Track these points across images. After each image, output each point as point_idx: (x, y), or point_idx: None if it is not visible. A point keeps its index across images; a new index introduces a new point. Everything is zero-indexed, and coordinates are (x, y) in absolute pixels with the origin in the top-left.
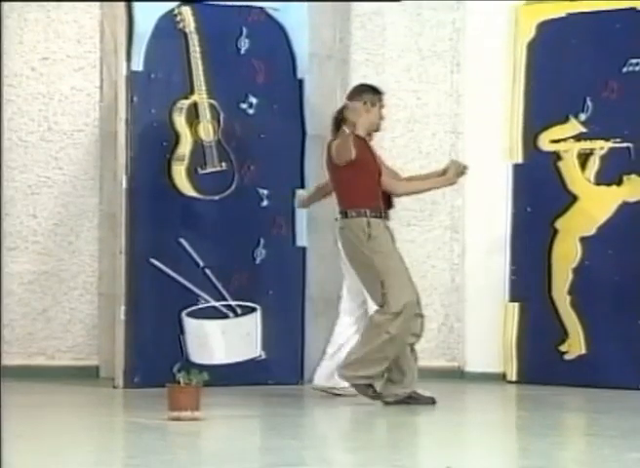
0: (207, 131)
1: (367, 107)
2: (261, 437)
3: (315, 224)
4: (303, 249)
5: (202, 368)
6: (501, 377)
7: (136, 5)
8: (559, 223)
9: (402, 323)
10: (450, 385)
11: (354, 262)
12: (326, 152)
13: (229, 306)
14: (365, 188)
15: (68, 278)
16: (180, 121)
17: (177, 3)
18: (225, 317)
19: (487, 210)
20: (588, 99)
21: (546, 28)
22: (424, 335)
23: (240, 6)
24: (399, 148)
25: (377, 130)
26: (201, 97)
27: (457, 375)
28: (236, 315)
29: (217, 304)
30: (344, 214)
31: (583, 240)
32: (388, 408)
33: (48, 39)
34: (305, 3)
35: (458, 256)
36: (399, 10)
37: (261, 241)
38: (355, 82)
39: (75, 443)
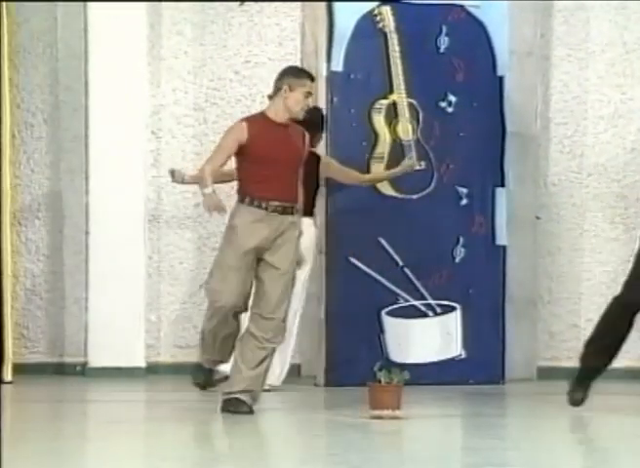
0: (406, 130)
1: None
2: (463, 437)
3: (515, 223)
4: (504, 247)
5: (402, 366)
6: None
7: (336, 6)
8: None
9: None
10: None
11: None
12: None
13: (429, 305)
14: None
15: None
16: (380, 120)
17: (377, 3)
18: (425, 316)
19: None
20: None
21: None
22: (630, 335)
23: (440, 4)
24: (602, 144)
25: (293, 116)
26: (400, 96)
27: None
28: (436, 314)
29: (416, 303)
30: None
31: None
32: (595, 410)
33: (250, 43)
34: (505, 1)
35: None
36: (603, 3)
37: (461, 240)
38: (556, 78)
39: (278, 439)
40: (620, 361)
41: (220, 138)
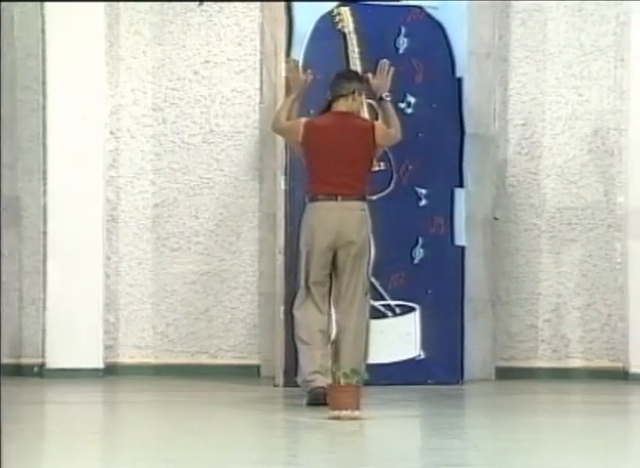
0: None
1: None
2: (422, 437)
3: (474, 223)
4: (462, 248)
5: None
6: None
7: (295, 7)
8: None
9: None
10: (613, 386)
11: (368, 247)
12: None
13: (388, 306)
14: None
15: (229, 278)
16: None
17: (336, 3)
18: (384, 316)
19: None
20: None
21: None
22: (586, 335)
23: (399, 5)
24: (560, 146)
25: None
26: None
27: (620, 376)
28: (395, 315)
29: (376, 304)
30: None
31: None
32: (553, 409)
33: (210, 43)
34: (464, 1)
35: (620, 255)
36: (560, 5)
37: (420, 240)
38: (514, 80)
39: (238, 440)
40: (575, 361)
41: None
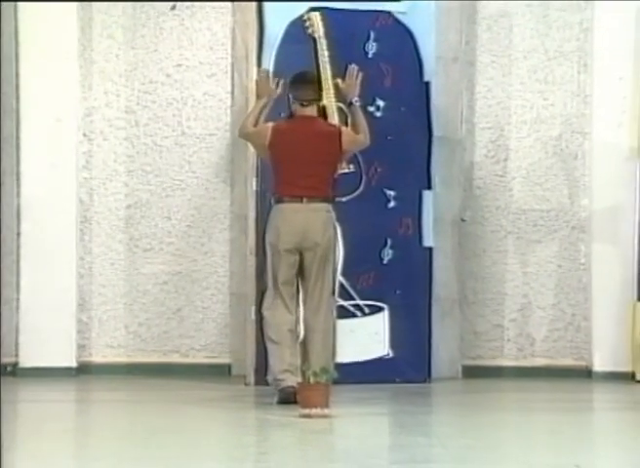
0: None
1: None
2: (390, 434)
3: (441, 225)
4: (430, 249)
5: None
6: (630, 377)
7: (266, 11)
8: None
9: None
10: (577, 385)
11: (333, 248)
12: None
13: (357, 306)
14: None
15: (201, 278)
16: None
17: (307, 5)
18: (353, 316)
19: (614, 209)
20: None
21: None
22: (551, 335)
23: (368, 10)
24: (525, 149)
25: None
26: (329, 100)
27: (584, 375)
28: (364, 314)
29: (345, 304)
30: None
31: None
32: (518, 407)
33: (182, 46)
34: (432, 4)
35: (584, 256)
36: (526, 11)
37: (388, 241)
38: (481, 84)
39: (209, 438)
40: (540, 359)
41: None
